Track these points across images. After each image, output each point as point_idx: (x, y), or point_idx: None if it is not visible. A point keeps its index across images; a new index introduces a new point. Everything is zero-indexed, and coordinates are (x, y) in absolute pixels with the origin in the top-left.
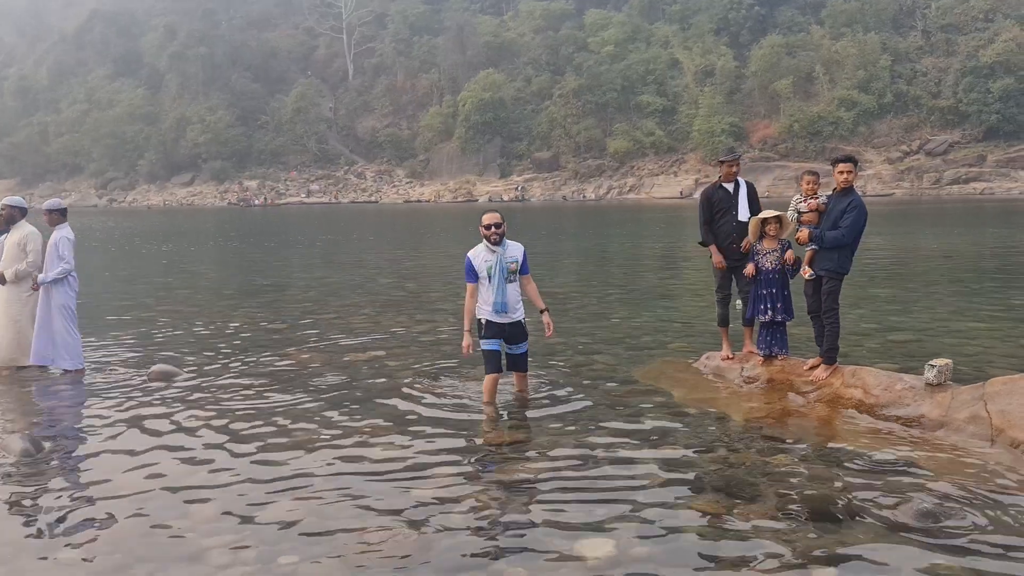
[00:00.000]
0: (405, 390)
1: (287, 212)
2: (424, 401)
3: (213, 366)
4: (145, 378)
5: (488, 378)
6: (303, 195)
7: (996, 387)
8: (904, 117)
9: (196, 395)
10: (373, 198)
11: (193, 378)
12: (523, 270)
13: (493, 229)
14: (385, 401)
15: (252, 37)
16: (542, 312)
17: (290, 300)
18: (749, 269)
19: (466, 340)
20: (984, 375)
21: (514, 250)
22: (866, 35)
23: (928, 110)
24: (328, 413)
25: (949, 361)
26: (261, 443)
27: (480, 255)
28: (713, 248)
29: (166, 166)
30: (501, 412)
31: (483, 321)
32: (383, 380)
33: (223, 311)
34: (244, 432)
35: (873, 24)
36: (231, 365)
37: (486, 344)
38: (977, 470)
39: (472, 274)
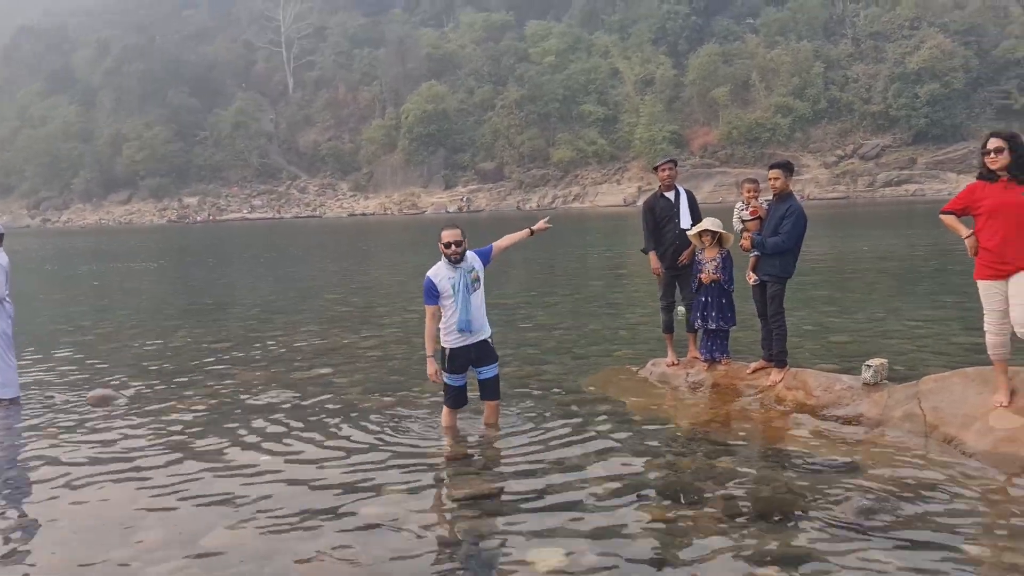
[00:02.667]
0: (352, 407)
1: (229, 228)
2: (372, 418)
3: (154, 388)
4: (84, 403)
5: (446, 410)
6: (245, 211)
7: (929, 385)
8: (838, 122)
9: (136, 419)
10: (317, 212)
11: (133, 401)
12: (487, 258)
13: (454, 248)
14: (332, 419)
15: (189, 51)
16: (532, 232)
17: (234, 318)
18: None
19: (431, 367)
20: (918, 373)
21: (472, 260)
22: (799, 43)
23: (860, 115)
24: (273, 433)
25: (884, 361)
26: (204, 466)
27: (442, 272)
28: (652, 255)
29: (102, 184)
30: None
31: (447, 351)
32: (330, 397)
33: (164, 332)
34: (186, 455)
35: (805, 32)
36: (172, 387)
37: (451, 379)
38: (912, 466)
39: (433, 296)
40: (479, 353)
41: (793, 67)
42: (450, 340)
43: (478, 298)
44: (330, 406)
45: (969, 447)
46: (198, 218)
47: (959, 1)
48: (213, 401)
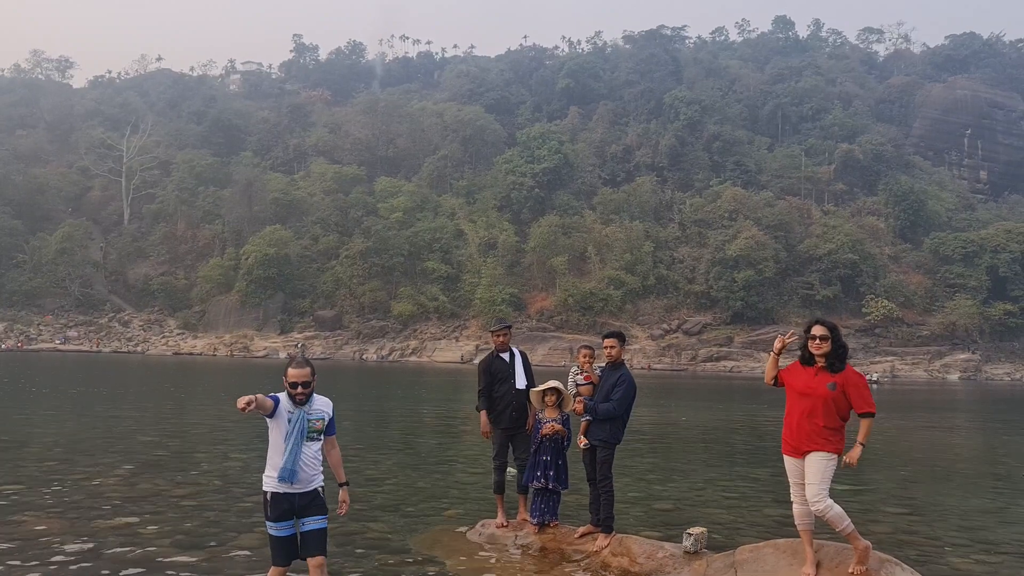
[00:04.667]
0: (156, 563)
1: (37, 359)
2: (181, 574)
3: None
4: None
5: (273, 570)
6: (58, 341)
7: (744, 555)
8: (665, 298)
9: None
10: (139, 348)
11: None
12: (329, 430)
13: (300, 389)
14: (134, 575)
15: (17, 171)
16: (341, 486)
17: (30, 458)
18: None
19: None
20: (734, 543)
21: (322, 405)
22: (632, 223)
23: (685, 293)
24: None
25: (704, 530)
26: None
27: (285, 402)
28: (483, 415)
29: None
30: None
31: (267, 495)
32: (134, 550)
33: None
34: None
35: (637, 214)
36: None
37: (273, 529)
38: None
39: (276, 404)
40: (304, 502)
41: (626, 244)
42: (271, 483)
43: (312, 449)
44: (134, 561)
45: None
46: (3, 345)
47: (770, 200)
48: None
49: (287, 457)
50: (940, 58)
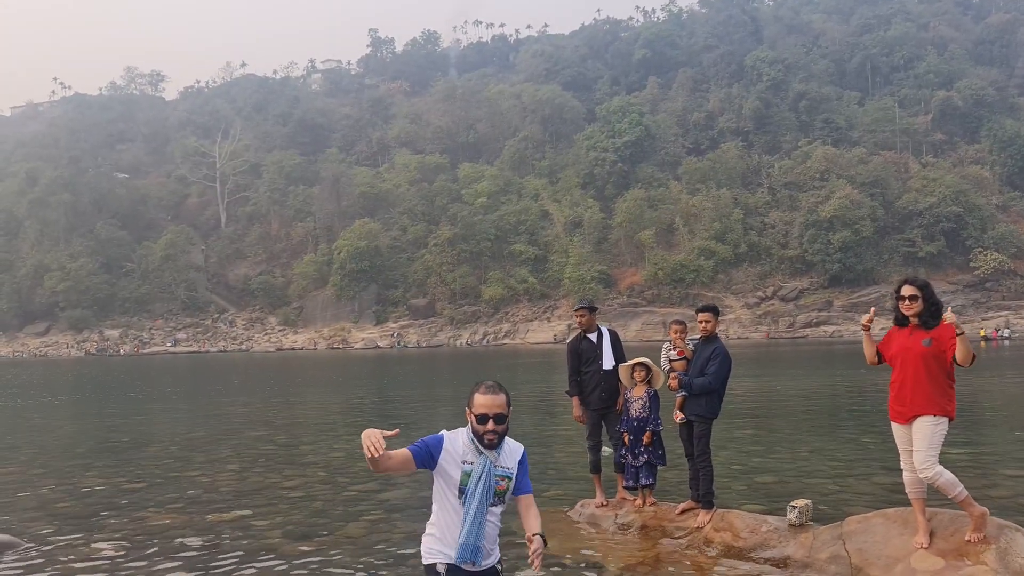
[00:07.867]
0: (270, 553)
1: (151, 362)
2: (295, 564)
3: (60, 534)
4: None
5: None
6: (169, 344)
7: (852, 526)
8: (758, 265)
9: (37, 569)
10: (244, 346)
11: (35, 548)
12: (522, 488)
13: (492, 425)
14: (250, 566)
15: (120, 184)
16: (532, 537)
17: (150, 457)
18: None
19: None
20: (842, 514)
21: (510, 456)
22: (719, 191)
23: (778, 259)
24: None
25: (808, 502)
26: None
27: (459, 446)
28: (575, 401)
29: (19, 315)
30: None
31: (435, 567)
32: (248, 542)
33: (73, 471)
34: None
35: (724, 181)
36: (80, 532)
37: None
38: None
39: (428, 457)
40: None
41: (714, 213)
42: (439, 554)
43: (496, 520)
44: (248, 551)
45: None
46: (121, 351)
47: (863, 156)
48: (121, 546)
49: (469, 530)
50: None
